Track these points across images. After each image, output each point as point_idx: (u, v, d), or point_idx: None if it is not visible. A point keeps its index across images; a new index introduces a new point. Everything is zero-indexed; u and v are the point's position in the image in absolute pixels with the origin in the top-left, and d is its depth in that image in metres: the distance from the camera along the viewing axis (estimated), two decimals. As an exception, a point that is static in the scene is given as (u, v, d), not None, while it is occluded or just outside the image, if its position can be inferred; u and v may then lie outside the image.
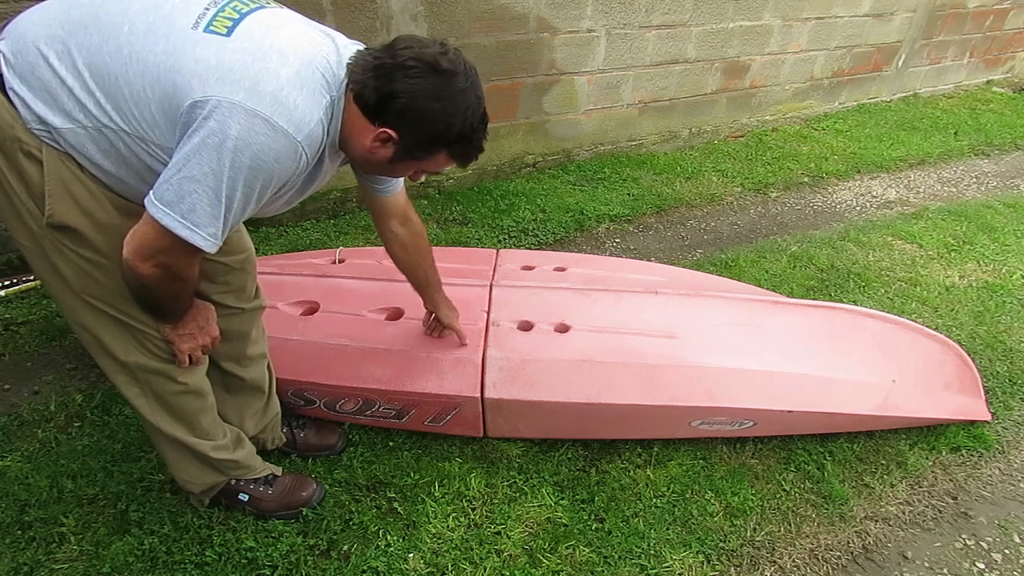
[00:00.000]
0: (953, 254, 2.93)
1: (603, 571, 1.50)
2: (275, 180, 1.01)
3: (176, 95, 0.94)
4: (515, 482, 1.68)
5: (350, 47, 1.08)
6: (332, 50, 1.05)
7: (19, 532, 1.48)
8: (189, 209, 0.95)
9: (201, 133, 0.92)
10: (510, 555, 1.51)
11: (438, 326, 1.70)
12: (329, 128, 1.05)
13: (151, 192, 0.97)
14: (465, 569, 1.47)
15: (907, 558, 1.61)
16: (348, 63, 1.04)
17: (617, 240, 2.95)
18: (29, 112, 0.97)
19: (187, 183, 0.94)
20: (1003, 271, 2.81)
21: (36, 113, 0.97)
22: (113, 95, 0.96)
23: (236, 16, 0.99)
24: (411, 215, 1.47)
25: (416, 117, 1.04)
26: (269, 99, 0.94)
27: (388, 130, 1.04)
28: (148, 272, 1.02)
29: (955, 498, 1.77)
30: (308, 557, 1.47)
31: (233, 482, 1.49)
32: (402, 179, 1.38)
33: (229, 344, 1.43)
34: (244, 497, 1.50)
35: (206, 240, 0.98)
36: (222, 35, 0.96)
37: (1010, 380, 2.17)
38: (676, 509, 1.65)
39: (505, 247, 2.74)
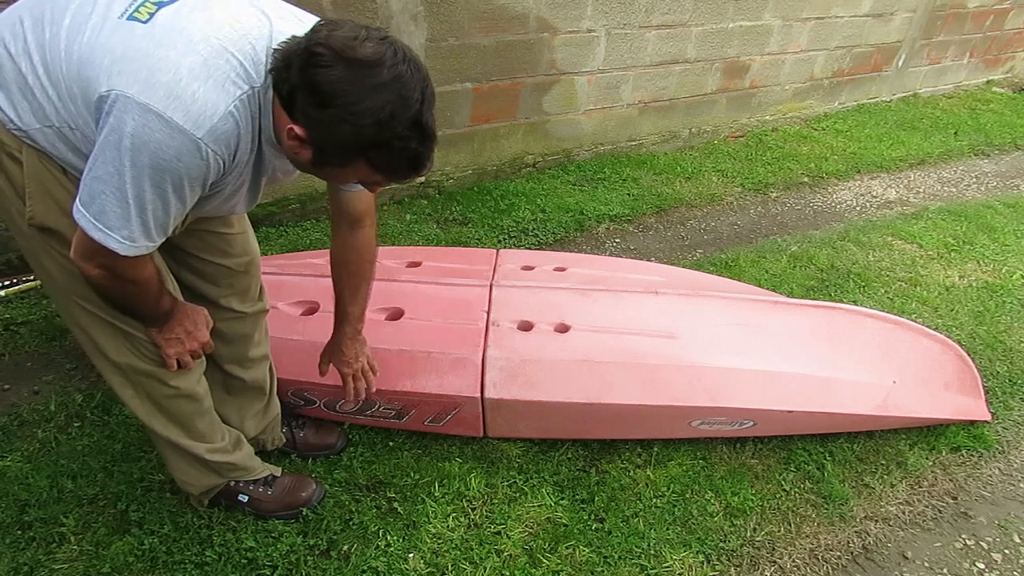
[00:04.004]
0: (953, 254, 2.93)
1: (603, 571, 1.50)
2: (187, 179, 0.92)
3: (88, 89, 0.89)
4: (515, 482, 1.68)
5: (287, 32, 0.94)
6: (263, 34, 0.94)
7: (19, 532, 1.48)
8: (100, 211, 0.91)
9: (104, 131, 0.88)
10: (510, 555, 1.51)
11: (324, 362, 1.51)
12: (257, 120, 0.96)
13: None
14: (465, 569, 1.47)
15: (907, 558, 1.61)
16: (274, 48, 0.91)
17: (617, 240, 2.95)
18: (2, 113, 0.95)
19: (96, 184, 0.90)
20: (1003, 271, 2.81)
21: (7, 114, 0.95)
22: (61, 92, 0.93)
23: (167, 0, 0.92)
24: (364, 224, 1.31)
25: (318, 116, 0.89)
26: (163, 92, 0.86)
27: (295, 127, 0.91)
28: (94, 274, 0.99)
29: (955, 498, 1.77)
30: (308, 557, 1.47)
31: (232, 483, 1.49)
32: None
33: (231, 346, 1.43)
34: (243, 498, 1.50)
35: (121, 244, 0.93)
36: (141, 22, 0.90)
37: (1010, 380, 2.17)
38: (676, 509, 1.65)
39: (505, 247, 2.74)
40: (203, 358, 1.33)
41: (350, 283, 1.39)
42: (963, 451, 1.89)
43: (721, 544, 1.58)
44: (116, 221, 0.92)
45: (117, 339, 1.17)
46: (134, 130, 0.86)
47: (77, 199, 0.92)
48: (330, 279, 1.94)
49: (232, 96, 0.91)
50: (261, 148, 1.02)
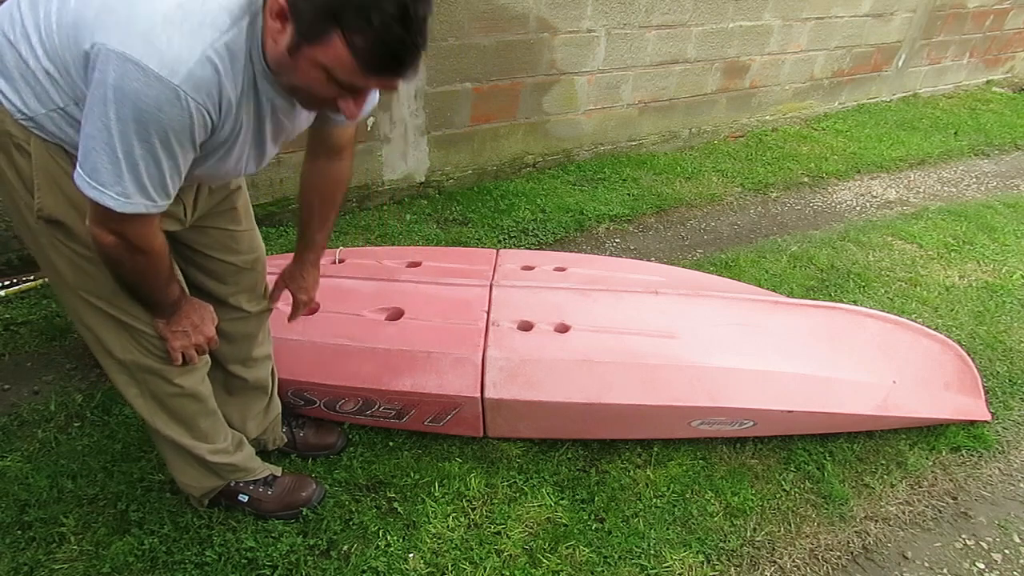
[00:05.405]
0: (953, 254, 2.93)
1: (603, 571, 1.50)
2: (172, 133, 0.90)
3: (80, 50, 0.89)
4: (515, 482, 1.68)
5: None
6: None
7: (19, 532, 1.48)
8: (93, 168, 0.90)
9: (91, 87, 0.87)
10: (510, 555, 1.51)
11: (282, 286, 1.50)
12: (249, 58, 0.93)
13: None
14: (465, 569, 1.47)
15: (907, 558, 1.61)
16: None
17: (617, 240, 2.95)
18: (9, 103, 0.95)
19: (87, 141, 0.89)
20: (1003, 271, 2.81)
21: (14, 103, 0.95)
22: (59, 66, 0.92)
23: None
24: (344, 156, 1.32)
25: None
26: (139, 40, 0.85)
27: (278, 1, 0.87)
28: (107, 242, 0.98)
29: (955, 498, 1.77)
30: (308, 557, 1.47)
31: (232, 483, 1.49)
32: (351, 123, 1.23)
33: (235, 346, 1.44)
34: (244, 498, 1.50)
35: (116, 200, 0.91)
36: None
37: (1010, 380, 2.17)
38: (676, 509, 1.65)
39: (505, 247, 2.74)
40: (208, 358, 1.33)
41: (321, 211, 1.39)
42: (963, 451, 1.89)
43: (721, 544, 1.58)
44: (109, 178, 0.90)
45: (122, 336, 1.17)
46: (115, 81, 0.85)
47: (78, 161, 0.92)
48: (330, 279, 1.95)
49: (208, 40, 0.88)
50: (257, 89, 0.98)
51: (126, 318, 1.15)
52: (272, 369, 1.56)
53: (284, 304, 1.81)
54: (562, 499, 1.65)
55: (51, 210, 1.02)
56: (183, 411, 1.31)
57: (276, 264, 2.00)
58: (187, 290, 1.24)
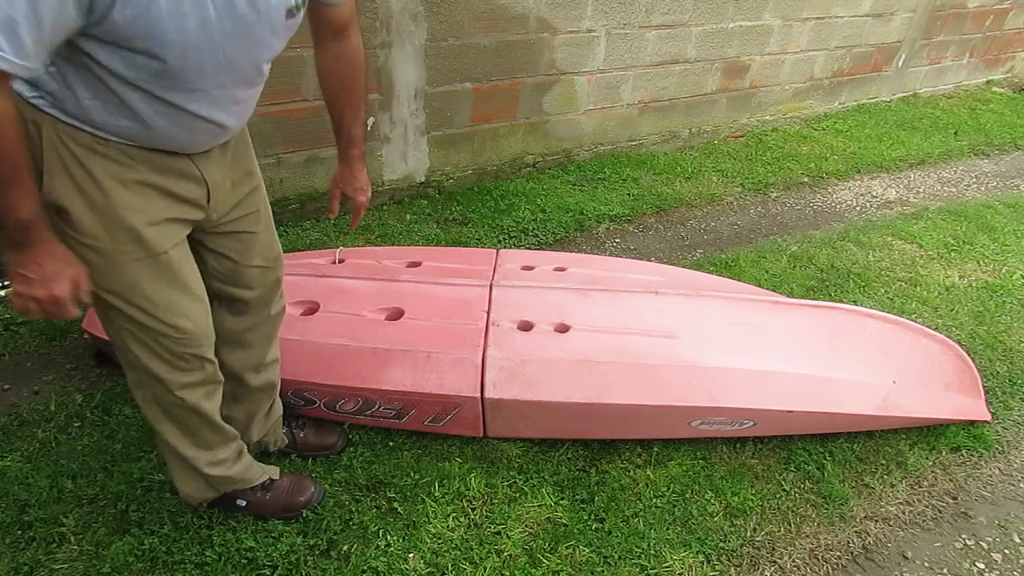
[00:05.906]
0: (953, 254, 2.93)
1: (603, 571, 1.50)
2: None
3: None
4: (515, 482, 1.68)
5: None
6: None
7: (19, 532, 1.48)
8: None
9: None
10: (510, 555, 1.51)
11: (338, 193, 1.48)
12: None
13: None
14: (465, 569, 1.47)
15: (907, 558, 1.61)
16: None
17: (617, 240, 2.95)
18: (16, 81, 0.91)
19: None
20: (1003, 271, 2.81)
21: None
22: None
23: None
24: (351, 32, 1.28)
25: None
26: None
27: None
28: None
29: (955, 498, 1.77)
30: (308, 557, 1.47)
31: (230, 490, 1.49)
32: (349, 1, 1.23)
33: (250, 352, 1.44)
34: (242, 502, 1.50)
35: None
36: None
37: (1010, 380, 2.17)
38: (676, 509, 1.65)
39: (505, 247, 2.74)
40: (219, 375, 1.32)
41: (349, 100, 1.35)
42: (963, 451, 1.89)
43: (721, 544, 1.58)
44: None
45: (124, 331, 1.16)
46: None
47: None
48: (330, 279, 1.95)
49: None
50: None
51: (135, 313, 1.13)
52: (278, 372, 1.56)
53: (291, 306, 1.82)
54: (562, 499, 1.65)
55: (57, 196, 1.00)
56: (187, 421, 1.30)
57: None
58: (208, 307, 1.22)
